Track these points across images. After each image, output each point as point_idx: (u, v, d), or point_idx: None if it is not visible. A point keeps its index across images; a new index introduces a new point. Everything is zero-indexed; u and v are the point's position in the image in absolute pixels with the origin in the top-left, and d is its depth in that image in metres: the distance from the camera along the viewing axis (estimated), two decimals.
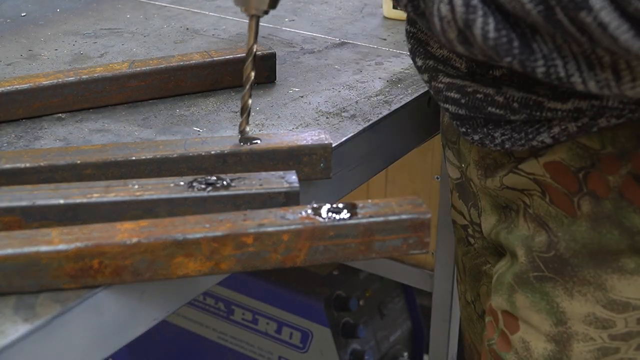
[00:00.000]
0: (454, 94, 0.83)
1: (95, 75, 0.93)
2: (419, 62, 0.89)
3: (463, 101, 0.82)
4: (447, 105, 0.85)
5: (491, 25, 0.67)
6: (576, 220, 0.80)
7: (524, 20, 0.66)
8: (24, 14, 1.25)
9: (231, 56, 0.98)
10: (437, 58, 0.86)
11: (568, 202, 0.80)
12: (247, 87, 0.81)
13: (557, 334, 0.84)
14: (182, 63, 0.97)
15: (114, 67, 0.95)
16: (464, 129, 0.84)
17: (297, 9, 1.31)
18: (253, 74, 0.82)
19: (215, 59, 0.98)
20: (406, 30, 0.91)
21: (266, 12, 0.83)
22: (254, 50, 0.82)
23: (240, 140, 0.79)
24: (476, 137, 0.83)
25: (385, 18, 1.27)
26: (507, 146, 0.81)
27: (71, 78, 0.92)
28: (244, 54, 0.97)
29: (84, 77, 0.93)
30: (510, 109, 0.78)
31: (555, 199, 0.81)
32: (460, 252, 1.05)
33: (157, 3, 1.32)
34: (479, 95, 0.81)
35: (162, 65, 0.96)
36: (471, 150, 0.90)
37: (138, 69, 0.95)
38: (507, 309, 0.88)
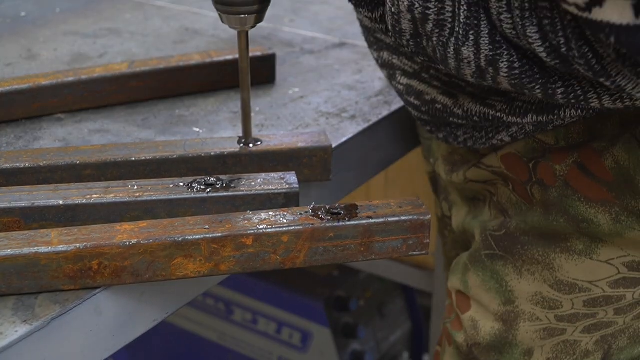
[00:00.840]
0: (414, 100, 0.85)
1: (95, 75, 0.93)
2: (374, 55, 0.90)
3: (424, 109, 0.84)
4: (409, 108, 0.87)
5: (515, 57, 0.68)
6: (532, 207, 0.82)
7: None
8: (24, 13, 1.25)
9: (231, 57, 0.98)
10: (389, 47, 0.87)
11: (523, 190, 0.82)
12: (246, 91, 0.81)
13: (505, 313, 0.85)
14: (181, 63, 0.96)
15: (114, 68, 0.95)
16: (428, 128, 0.87)
17: (297, 9, 1.31)
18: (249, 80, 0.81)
19: (215, 59, 0.98)
20: (358, 19, 0.92)
21: (252, 27, 0.81)
22: (247, 65, 0.80)
23: (239, 142, 0.79)
24: (440, 135, 0.85)
25: None
26: (469, 144, 0.83)
27: (70, 78, 0.92)
28: None
29: (83, 77, 0.92)
30: (472, 121, 0.80)
31: (517, 188, 0.83)
32: (443, 243, 1.08)
33: (156, 3, 1.32)
34: (438, 106, 0.82)
35: (161, 66, 0.96)
36: (440, 146, 0.92)
37: (138, 69, 0.94)
38: (461, 289, 0.89)
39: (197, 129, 0.89)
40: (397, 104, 0.97)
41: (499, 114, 0.78)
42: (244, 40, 0.76)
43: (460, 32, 0.69)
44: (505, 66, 0.69)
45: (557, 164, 0.79)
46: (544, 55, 0.65)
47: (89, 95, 0.93)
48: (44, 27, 1.19)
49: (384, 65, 0.89)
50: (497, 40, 0.68)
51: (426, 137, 0.97)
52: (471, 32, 0.68)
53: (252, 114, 0.91)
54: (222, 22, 0.75)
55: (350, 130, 0.90)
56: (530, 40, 0.65)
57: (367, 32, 0.90)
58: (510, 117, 0.77)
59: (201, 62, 0.97)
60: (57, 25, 1.20)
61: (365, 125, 0.92)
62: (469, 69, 0.71)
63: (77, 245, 0.63)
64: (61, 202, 0.69)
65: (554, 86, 0.69)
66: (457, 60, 0.70)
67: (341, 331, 1.79)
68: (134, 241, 0.64)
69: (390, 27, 0.74)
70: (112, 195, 0.70)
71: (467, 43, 0.69)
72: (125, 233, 0.65)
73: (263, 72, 1.00)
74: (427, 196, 1.65)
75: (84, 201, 0.70)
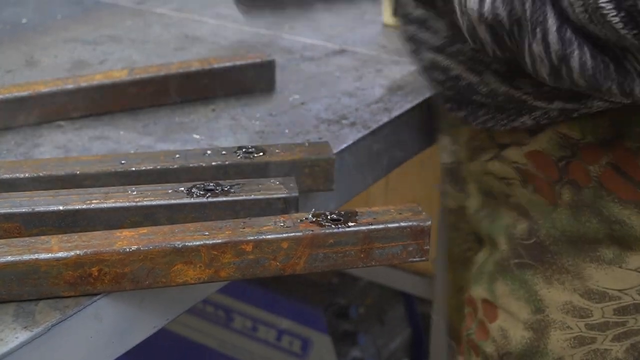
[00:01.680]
0: (438, 75, 0.84)
1: (94, 82, 0.93)
2: (400, 28, 0.89)
3: (448, 85, 0.83)
4: (433, 84, 0.86)
5: (587, 55, 0.66)
6: (557, 208, 0.82)
7: (615, 43, 0.65)
8: (25, 20, 1.25)
9: (231, 64, 0.98)
10: (417, 20, 0.86)
11: (550, 190, 0.82)
12: None
13: (535, 321, 0.84)
14: (181, 70, 0.96)
15: (113, 75, 0.94)
16: (449, 105, 0.86)
17: (297, 16, 1.31)
18: None
19: (215, 66, 0.98)
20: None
21: None
22: None
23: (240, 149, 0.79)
24: (461, 114, 0.85)
25: (386, 25, 1.27)
26: (489, 125, 0.82)
27: (70, 86, 0.92)
28: (243, 62, 0.97)
29: (83, 84, 0.92)
30: (496, 101, 0.80)
31: (538, 187, 0.82)
32: (449, 239, 1.06)
33: (157, 10, 1.32)
34: (462, 83, 0.82)
35: (161, 73, 0.95)
36: (462, 132, 0.91)
37: (138, 76, 0.94)
38: (487, 298, 0.88)
39: (197, 136, 0.89)
40: (397, 110, 0.97)
41: (525, 97, 0.77)
42: None
43: (529, 29, 0.67)
44: (577, 65, 0.66)
45: (590, 164, 0.79)
46: (620, 26, 0.62)
47: (89, 102, 0.92)
48: (44, 33, 1.19)
49: (409, 39, 0.88)
50: (567, 37, 0.66)
51: (450, 123, 0.95)
52: (538, 28, 0.67)
53: (252, 121, 0.91)
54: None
55: (350, 137, 0.90)
56: (603, 12, 0.62)
57: (396, 4, 0.90)
58: (536, 101, 0.77)
59: (201, 69, 0.97)
60: (57, 32, 1.20)
61: (365, 132, 0.92)
62: (544, 69, 0.68)
63: (77, 251, 0.63)
64: (61, 208, 0.69)
65: (632, 85, 0.66)
66: (532, 60, 0.68)
67: (341, 338, 1.78)
68: (134, 247, 0.64)
69: (469, 38, 0.73)
70: (112, 200, 0.70)
71: (535, 39, 0.67)
72: (125, 239, 0.65)
73: (262, 78, 1.00)
74: (427, 203, 1.65)
75: (84, 206, 0.69)
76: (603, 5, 0.62)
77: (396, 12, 0.92)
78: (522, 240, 0.84)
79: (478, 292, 0.89)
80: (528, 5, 0.66)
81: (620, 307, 0.82)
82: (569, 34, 0.66)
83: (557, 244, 0.82)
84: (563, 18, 0.66)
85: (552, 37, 0.66)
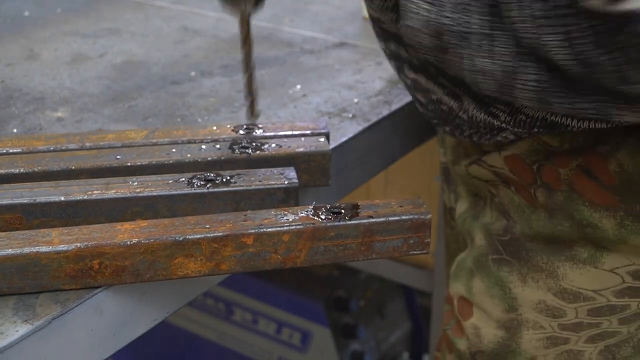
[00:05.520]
0: (420, 97, 0.85)
1: (104, 144, 0.79)
2: (382, 46, 0.89)
3: (430, 107, 0.84)
4: (417, 104, 0.87)
5: (535, 70, 0.67)
6: (536, 211, 0.81)
7: None
8: (27, 13, 1.25)
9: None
10: (397, 38, 0.85)
11: (527, 193, 0.82)
12: (248, 70, 0.80)
13: (508, 320, 0.84)
14: (209, 137, 0.80)
15: (129, 136, 0.80)
16: (435, 121, 0.86)
17: (297, 9, 1.31)
18: (252, 52, 0.80)
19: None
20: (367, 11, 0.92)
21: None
22: (250, 35, 0.80)
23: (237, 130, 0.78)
24: (447, 129, 0.85)
25: (366, 19, 1.27)
26: (474, 139, 0.82)
27: (74, 145, 0.79)
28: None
29: (87, 144, 0.79)
30: (476, 127, 0.80)
31: (520, 190, 0.82)
32: (445, 235, 1.08)
33: (156, 3, 1.32)
34: (443, 107, 0.82)
35: (185, 138, 0.80)
36: (450, 139, 0.91)
37: (157, 140, 0.79)
38: (464, 295, 0.88)
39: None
40: (397, 103, 0.97)
41: (503, 125, 0.77)
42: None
43: (474, 42, 0.68)
44: (524, 80, 0.67)
45: (562, 168, 0.79)
46: (567, 64, 0.63)
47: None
48: (44, 27, 1.19)
49: (391, 56, 0.88)
50: (515, 51, 0.66)
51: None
52: (484, 42, 0.67)
53: None
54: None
55: (350, 130, 0.90)
56: (549, 48, 0.64)
57: (374, 23, 0.90)
58: (515, 128, 0.77)
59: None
60: (57, 26, 1.20)
61: (365, 124, 0.92)
62: (484, 83, 0.70)
63: (78, 244, 0.63)
64: (62, 199, 0.69)
65: (581, 102, 0.67)
66: (473, 73, 0.70)
67: (341, 331, 1.79)
68: (134, 240, 0.64)
69: (405, 40, 0.73)
70: (113, 191, 0.70)
71: (480, 53, 0.68)
72: (126, 232, 0.65)
73: (315, 171, 0.80)
74: (427, 196, 1.65)
75: (85, 197, 0.69)
76: (549, 42, 0.64)
77: (374, 30, 0.91)
78: (499, 236, 0.84)
79: (457, 288, 0.89)
80: (476, 19, 0.67)
81: (595, 307, 0.81)
82: (516, 47, 0.67)
83: (532, 241, 0.82)
84: (510, 34, 0.66)
85: (500, 50, 0.67)
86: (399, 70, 0.87)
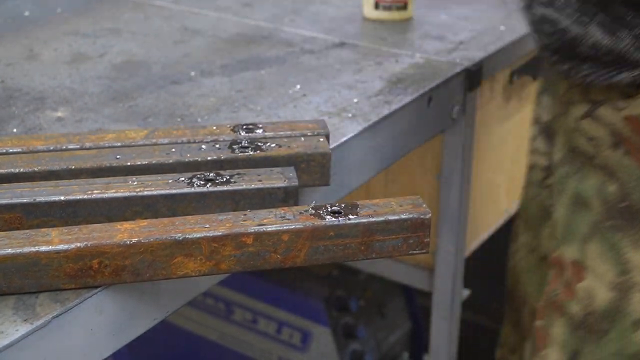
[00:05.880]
0: (547, 28, 0.87)
1: (104, 143, 0.79)
2: None
3: (555, 37, 0.87)
4: (541, 37, 0.90)
5: None
6: None
7: None
8: (27, 13, 1.25)
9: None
10: None
11: None
12: None
13: (620, 283, 0.88)
14: (209, 138, 0.81)
15: (129, 136, 0.80)
16: (555, 57, 0.89)
17: (297, 9, 1.31)
18: None
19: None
20: None
21: None
22: None
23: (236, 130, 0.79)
24: (564, 67, 0.88)
25: (365, 19, 1.27)
26: (589, 79, 0.85)
27: (73, 145, 0.79)
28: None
29: (87, 144, 0.79)
30: (598, 53, 0.83)
31: (633, 151, 0.85)
32: (529, 197, 1.10)
33: (156, 3, 1.32)
34: (568, 36, 0.85)
35: (184, 138, 0.80)
36: (560, 87, 0.94)
37: (157, 141, 0.79)
38: (577, 259, 0.91)
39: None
40: (397, 103, 0.97)
41: (625, 48, 0.80)
42: None
43: None
44: None
45: None
46: None
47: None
48: (44, 27, 1.19)
49: None
50: None
51: (551, 81, 0.99)
52: None
53: (253, 115, 0.91)
54: None
55: (350, 129, 0.90)
56: None
57: None
58: (636, 52, 0.79)
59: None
60: (57, 25, 1.20)
61: (366, 124, 0.92)
62: None
63: (78, 244, 0.63)
64: (62, 198, 0.69)
65: None
66: None
67: (341, 331, 1.79)
68: (134, 240, 0.64)
69: None
70: (113, 190, 0.70)
71: None
72: (126, 232, 0.65)
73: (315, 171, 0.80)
74: (428, 196, 1.65)
75: (85, 197, 0.69)
76: None
77: None
78: (617, 202, 0.87)
79: (569, 252, 0.92)
80: None
81: None
82: None
83: None
84: None
85: None
86: (528, 7, 0.91)
